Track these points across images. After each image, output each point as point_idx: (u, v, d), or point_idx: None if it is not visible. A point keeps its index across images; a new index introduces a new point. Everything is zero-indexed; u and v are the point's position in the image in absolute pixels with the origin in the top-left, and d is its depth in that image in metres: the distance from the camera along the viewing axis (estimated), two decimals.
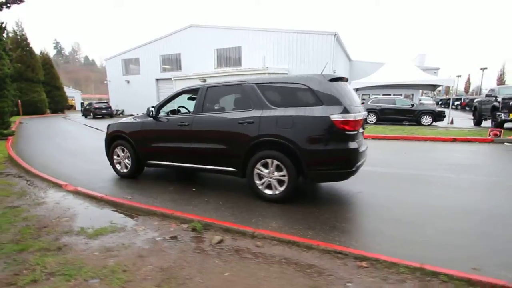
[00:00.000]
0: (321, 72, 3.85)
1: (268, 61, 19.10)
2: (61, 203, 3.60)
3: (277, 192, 3.63)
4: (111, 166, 5.12)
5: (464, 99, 29.25)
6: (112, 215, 3.26)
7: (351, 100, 3.50)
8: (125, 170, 4.96)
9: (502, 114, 9.61)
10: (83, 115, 24.43)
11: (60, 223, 3.00)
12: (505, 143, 7.74)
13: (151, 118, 4.54)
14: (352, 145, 3.34)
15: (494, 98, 10.95)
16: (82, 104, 34.04)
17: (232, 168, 3.91)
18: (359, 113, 3.44)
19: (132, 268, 2.10)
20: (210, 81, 18.28)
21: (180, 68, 22.89)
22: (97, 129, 13.88)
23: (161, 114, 4.69)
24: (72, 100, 42.36)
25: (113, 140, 5.04)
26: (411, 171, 5.01)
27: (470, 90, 63.24)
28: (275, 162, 3.57)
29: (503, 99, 9.76)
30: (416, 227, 2.79)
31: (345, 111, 3.29)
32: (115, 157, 5.05)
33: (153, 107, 4.51)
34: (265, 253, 2.32)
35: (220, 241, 2.54)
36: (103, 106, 22.55)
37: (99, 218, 3.16)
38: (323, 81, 3.46)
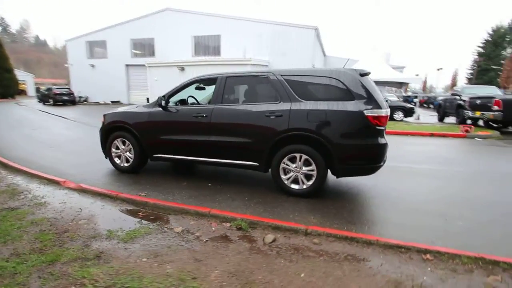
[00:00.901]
0: (343, 67, 3.85)
1: (248, 52, 18.77)
2: (68, 203, 3.17)
3: (304, 186, 3.59)
4: (106, 160, 4.66)
5: (423, 96, 31.74)
6: (135, 214, 2.95)
7: (380, 95, 3.55)
8: (126, 164, 4.54)
9: (470, 112, 10.59)
10: (40, 101, 21.91)
11: (80, 226, 2.63)
12: (475, 138, 8.57)
13: (160, 108, 4.18)
14: (382, 140, 3.40)
15: (459, 97, 12.04)
16: (37, 89, 30.57)
17: (254, 162, 3.77)
18: (387, 109, 3.50)
19: (200, 274, 1.92)
20: (188, 70, 17.53)
21: (153, 54, 21.53)
22: (62, 117, 12.57)
23: (169, 104, 4.33)
24: (24, 84, 37.76)
25: (111, 131, 4.56)
26: (408, 165, 5.29)
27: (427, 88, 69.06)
28: (304, 156, 3.51)
29: (470, 98, 10.74)
30: (436, 217, 2.95)
31: (377, 106, 3.32)
32: (113, 149, 4.58)
33: (163, 96, 4.14)
34: (327, 251, 2.27)
35: (274, 240, 2.43)
36: (65, 92, 20.39)
37: (123, 218, 2.84)
38: (355, 75, 3.44)
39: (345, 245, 2.35)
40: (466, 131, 9.10)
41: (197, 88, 4.90)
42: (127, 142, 4.45)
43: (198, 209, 2.91)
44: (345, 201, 3.48)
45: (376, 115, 3.30)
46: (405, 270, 2.04)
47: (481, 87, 14.15)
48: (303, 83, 3.62)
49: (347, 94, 3.40)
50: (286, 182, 3.65)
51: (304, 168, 3.56)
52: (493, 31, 47.83)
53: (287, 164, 3.62)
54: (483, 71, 43.12)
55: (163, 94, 4.23)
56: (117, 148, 4.57)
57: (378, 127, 3.34)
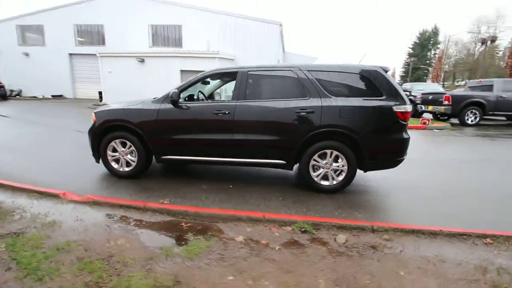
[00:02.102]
0: (359, 62, 3.96)
1: (212, 45, 18.11)
2: (87, 220, 2.62)
3: (334, 182, 3.61)
4: (87, 163, 4.07)
5: None
6: (178, 226, 2.59)
7: (402, 91, 3.73)
8: (126, 169, 3.98)
9: (422, 106, 11.96)
10: None
11: (123, 247, 2.20)
12: (434, 129, 9.72)
13: (172, 105, 3.74)
14: (406, 135, 3.59)
15: (409, 93, 13.57)
16: None
17: (282, 160, 3.65)
18: (410, 105, 3.70)
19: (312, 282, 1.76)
20: (149, 62, 16.16)
21: (103, 43, 19.26)
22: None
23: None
24: None
25: (106, 132, 3.93)
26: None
27: None
28: (335, 152, 3.53)
29: (423, 94, 12.12)
30: (446, 202, 3.31)
31: (403, 102, 3.49)
32: (109, 153, 3.97)
33: (176, 90, 3.70)
34: (404, 246, 2.32)
35: (346, 240, 2.38)
36: None
37: (167, 232, 2.47)
38: (382, 72, 3.55)
39: (415, 239, 2.43)
40: (424, 123, 10.25)
41: (203, 82, 4.52)
42: (128, 144, 3.89)
43: (251, 214, 2.69)
44: (372, 194, 3.61)
45: (403, 110, 3.46)
46: (478, 255, 2.19)
47: (426, 84, 16.13)
48: (330, 78, 3.60)
49: (376, 91, 3.49)
50: (315, 179, 3.62)
51: (334, 164, 3.57)
52: (420, 34, 54.69)
53: (316, 161, 3.59)
54: (414, 69, 48.98)
55: (175, 88, 3.79)
56: (114, 150, 3.98)
57: (403, 122, 3.52)
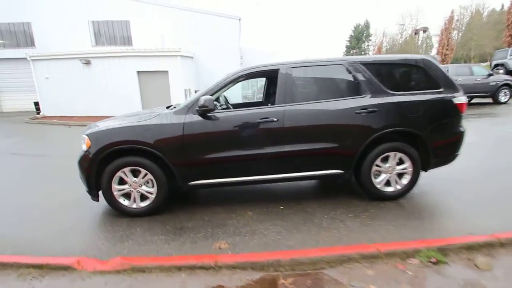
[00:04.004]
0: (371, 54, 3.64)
1: (167, 42, 16.54)
2: None
3: (398, 187, 3.25)
4: (76, 204, 3.01)
5: None
6: (279, 285, 1.88)
7: None
8: (142, 204, 3.04)
9: None
10: None
11: None
12: None
13: (200, 117, 2.91)
14: (463, 127, 3.38)
15: None
16: None
17: (340, 169, 3.15)
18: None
19: None
20: (96, 64, 13.95)
21: (32, 44, 16.13)
22: None
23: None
24: None
25: (109, 159, 2.92)
26: None
27: None
28: (399, 154, 3.15)
29: None
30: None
31: (459, 93, 3.26)
32: (115, 186, 2.97)
33: (207, 96, 2.86)
34: None
35: (489, 264, 1.98)
36: None
37: None
38: (436, 62, 3.27)
39: None
40: None
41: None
42: (143, 172, 2.95)
43: (362, 251, 2.10)
44: (429, 194, 3.35)
45: (461, 102, 3.23)
46: None
47: None
48: (385, 72, 3.19)
49: (434, 83, 3.19)
50: (378, 186, 3.21)
51: (397, 168, 3.20)
52: (355, 27, 59.31)
53: (378, 166, 3.17)
54: None
55: (202, 93, 2.96)
56: (122, 182, 2.99)
57: (462, 115, 3.30)
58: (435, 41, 34.07)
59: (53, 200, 3.55)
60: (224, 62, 16.53)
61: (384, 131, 3.03)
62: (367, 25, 57.96)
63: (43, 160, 5.96)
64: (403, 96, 3.09)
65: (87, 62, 13.56)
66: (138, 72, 13.59)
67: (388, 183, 3.24)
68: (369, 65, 3.12)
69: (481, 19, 38.10)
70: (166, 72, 13.58)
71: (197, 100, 2.92)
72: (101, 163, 2.92)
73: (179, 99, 13.26)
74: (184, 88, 13.42)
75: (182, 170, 2.98)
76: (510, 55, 14.91)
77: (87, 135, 2.97)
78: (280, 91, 3.03)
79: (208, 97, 2.83)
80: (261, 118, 2.94)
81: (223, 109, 3.45)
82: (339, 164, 3.14)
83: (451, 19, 24.77)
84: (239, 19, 17.27)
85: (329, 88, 3.20)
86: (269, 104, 4.10)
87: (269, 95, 4.54)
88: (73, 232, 2.75)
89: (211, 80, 15.26)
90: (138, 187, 3.00)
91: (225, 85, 3.07)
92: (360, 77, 3.09)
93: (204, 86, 3.26)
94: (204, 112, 2.87)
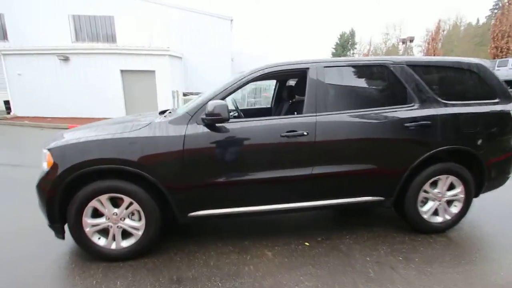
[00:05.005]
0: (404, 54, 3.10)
1: (155, 41, 15.62)
2: None
3: (447, 217, 2.66)
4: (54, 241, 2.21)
5: None
6: None
7: None
8: (124, 244, 2.27)
9: None
10: None
11: None
12: None
13: (206, 128, 2.19)
14: None
15: None
16: None
17: (380, 196, 2.52)
18: None
19: None
20: (75, 61, 12.79)
21: (5, 37, 14.72)
22: None
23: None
24: None
25: (79, 184, 2.13)
26: None
27: None
28: (450, 178, 2.57)
29: None
30: None
31: None
32: (87, 220, 2.18)
33: (218, 101, 2.14)
34: None
35: None
36: None
37: None
38: (489, 67, 2.72)
39: None
40: None
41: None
42: (127, 200, 2.18)
43: None
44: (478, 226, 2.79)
45: None
46: None
47: None
48: (438, 77, 2.60)
49: (489, 92, 2.64)
50: (425, 216, 2.60)
51: (448, 194, 2.62)
52: (340, 35, 60.37)
53: (426, 192, 2.57)
54: None
55: (207, 98, 2.25)
56: (97, 214, 2.21)
57: None
58: (416, 51, 34.78)
59: (8, 225, 2.69)
60: (215, 63, 15.82)
61: (438, 149, 2.43)
62: (352, 34, 59.06)
63: (4, 170, 4.99)
64: (458, 107, 2.51)
65: (65, 59, 12.43)
66: (122, 71, 12.60)
67: (435, 212, 2.65)
68: (417, 67, 2.52)
69: (459, 32, 39.50)
70: (153, 72, 12.68)
71: (203, 105, 2.20)
72: (69, 189, 2.12)
73: (166, 101, 12.38)
74: (172, 90, 12.54)
75: (180, 197, 2.24)
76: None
77: (49, 150, 2.16)
78: (310, 97, 2.36)
79: (220, 102, 2.10)
80: (288, 131, 2.26)
81: (234, 117, 2.75)
82: (380, 189, 2.51)
83: (437, 29, 25.18)
84: (231, 20, 16.63)
85: (369, 94, 2.56)
86: (282, 112, 3.46)
87: (280, 101, 3.88)
88: (21, 285, 1.94)
89: (201, 82, 14.46)
90: (119, 221, 2.22)
91: (239, 87, 2.35)
92: (408, 81, 2.48)
93: (212, 88, 2.52)
94: (214, 122, 2.15)
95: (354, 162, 2.40)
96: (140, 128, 2.20)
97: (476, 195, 2.74)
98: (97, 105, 12.28)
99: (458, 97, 2.57)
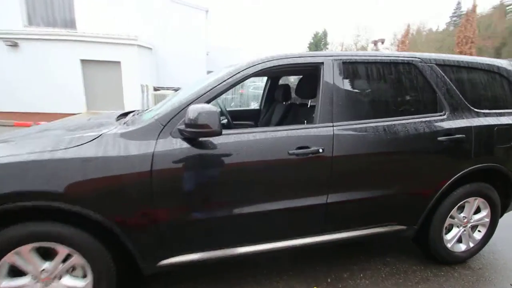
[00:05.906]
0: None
1: (120, 29, 14.16)
2: None
3: (471, 245, 2.28)
4: None
5: None
6: None
7: None
8: None
9: None
10: None
11: None
12: None
13: (186, 142, 1.53)
14: None
15: None
16: None
17: (401, 224, 2.06)
18: None
19: None
20: (25, 47, 11.13)
21: None
22: None
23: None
24: None
25: None
26: None
27: None
28: (478, 200, 2.17)
29: None
30: None
31: None
32: (2, 284, 1.43)
33: (201, 106, 1.49)
34: None
35: None
36: None
37: None
38: None
39: None
40: None
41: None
42: (63, 251, 1.47)
43: None
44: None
45: None
46: None
47: None
48: (468, 81, 2.17)
49: None
50: (449, 244, 2.19)
51: (474, 218, 2.23)
52: (314, 35, 61.32)
53: (452, 217, 2.16)
54: None
55: (187, 100, 1.59)
56: (16, 273, 1.48)
57: None
58: None
59: None
60: (189, 56, 14.81)
61: (472, 167, 2.01)
62: (325, 34, 60.14)
63: None
64: (492, 117, 2.11)
65: (14, 45, 10.77)
66: (82, 60, 11.22)
67: (459, 240, 2.25)
68: (447, 67, 2.07)
69: (422, 37, 41.77)
70: (118, 63, 11.44)
71: (181, 110, 1.55)
72: None
73: (134, 96, 11.23)
74: (140, 84, 11.39)
75: (145, 240, 1.57)
76: None
77: None
78: (325, 102, 1.78)
79: (208, 107, 1.44)
80: (298, 148, 1.67)
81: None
82: (401, 217, 2.04)
83: (407, 32, 26.18)
84: (207, 11, 15.68)
85: (396, 99, 2.04)
86: (274, 116, 2.88)
87: (270, 102, 3.30)
88: None
89: (173, 76, 13.39)
90: (52, 280, 1.50)
91: (234, 84, 1.69)
92: (437, 85, 2.01)
93: (192, 85, 1.87)
94: (198, 135, 1.50)
95: (379, 186, 1.89)
96: (83, 144, 1.47)
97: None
98: (53, 98, 10.83)
99: (488, 105, 2.17)
